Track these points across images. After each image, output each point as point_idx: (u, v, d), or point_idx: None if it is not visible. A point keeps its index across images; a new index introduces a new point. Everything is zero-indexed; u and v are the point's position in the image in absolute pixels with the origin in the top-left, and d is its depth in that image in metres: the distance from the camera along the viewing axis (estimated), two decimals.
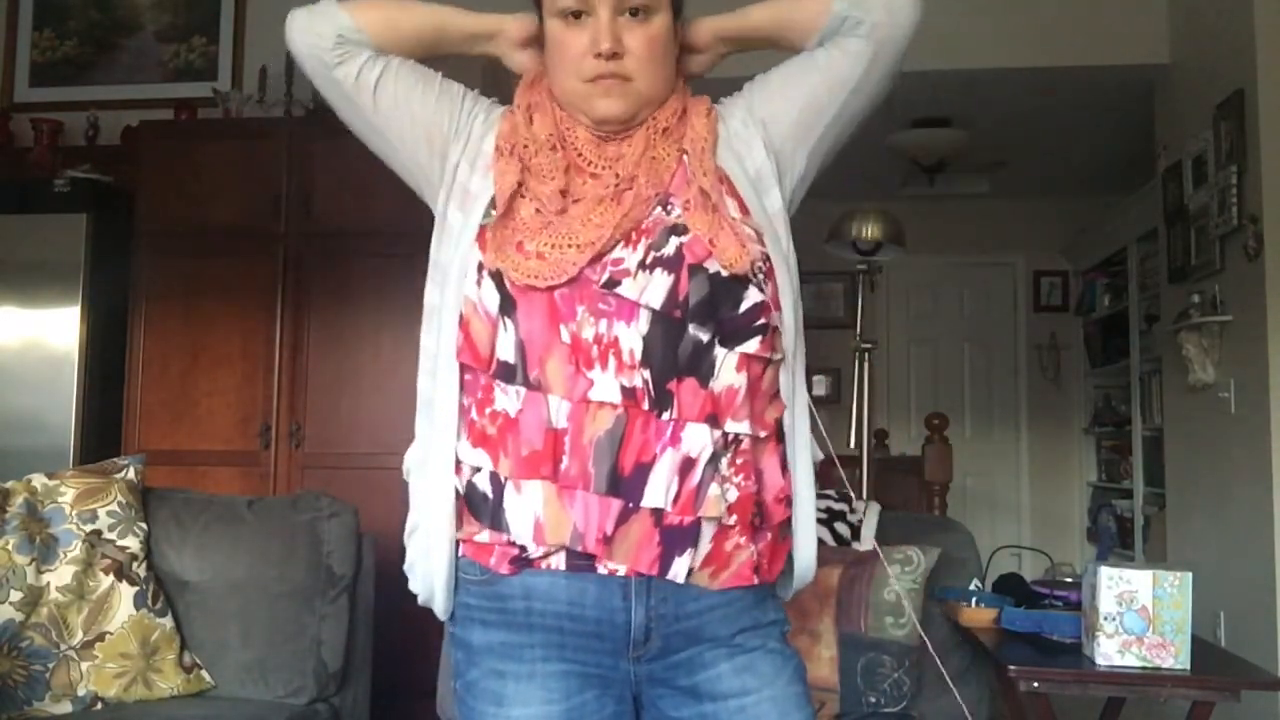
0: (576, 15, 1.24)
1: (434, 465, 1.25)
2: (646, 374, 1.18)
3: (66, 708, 2.22)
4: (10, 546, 2.26)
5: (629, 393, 1.17)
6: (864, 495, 3.91)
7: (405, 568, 1.29)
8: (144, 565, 2.37)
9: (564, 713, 1.20)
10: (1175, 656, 2.02)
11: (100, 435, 3.68)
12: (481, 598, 1.23)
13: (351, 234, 3.58)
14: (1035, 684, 2.04)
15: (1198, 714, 2.09)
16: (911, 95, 4.57)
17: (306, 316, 3.63)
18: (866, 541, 2.44)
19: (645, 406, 1.17)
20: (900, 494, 4.22)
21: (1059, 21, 4.06)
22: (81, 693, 2.23)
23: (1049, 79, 4.28)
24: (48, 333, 3.70)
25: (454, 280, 1.25)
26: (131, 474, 2.47)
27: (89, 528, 2.34)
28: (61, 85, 4.40)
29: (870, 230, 3.87)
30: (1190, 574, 2.04)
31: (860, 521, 2.50)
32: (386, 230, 3.41)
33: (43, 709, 2.20)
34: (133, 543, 2.37)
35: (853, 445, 4.13)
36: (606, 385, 1.17)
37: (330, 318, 3.57)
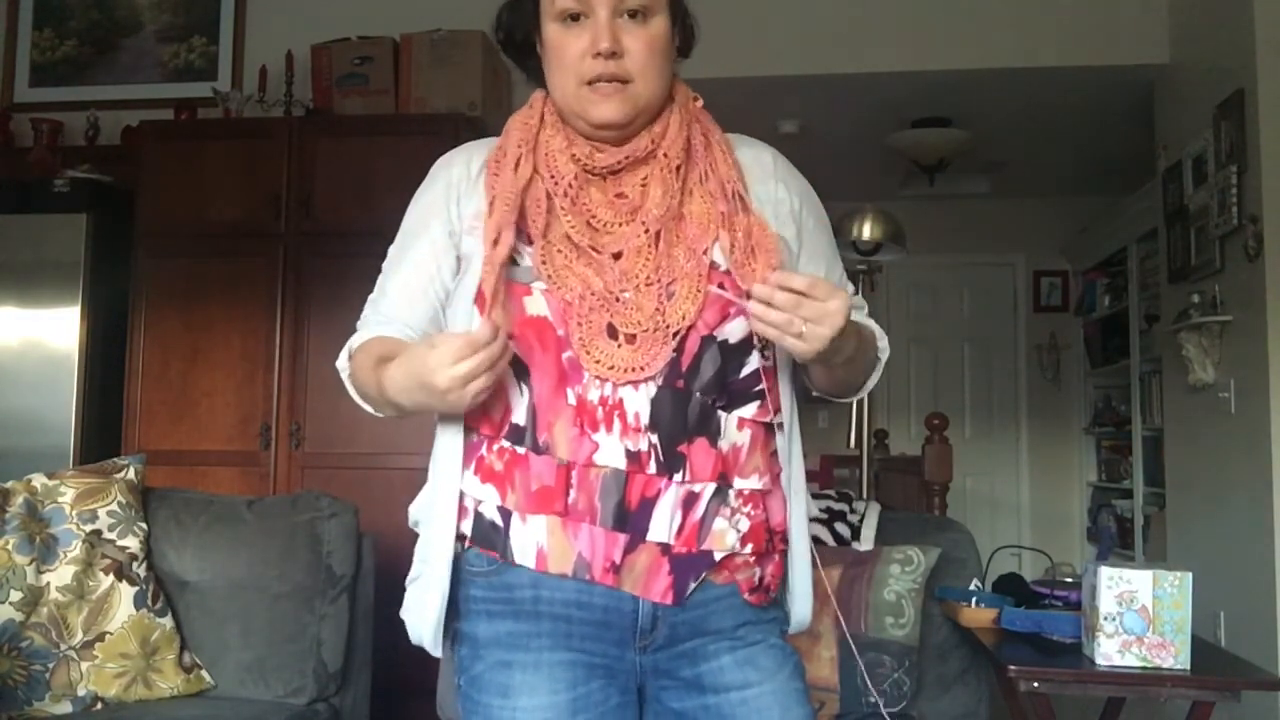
0: (575, 17, 1.23)
1: (440, 511, 1.26)
2: (654, 437, 1.18)
3: (66, 708, 2.22)
4: (10, 546, 2.26)
5: (633, 456, 1.18)
6: (864, 495, 3.92)
7: (402, 613, 1.29)
8: (144, 565, 2.37)
9: (570, 702, 1.21)
10: (1175, 656, 2.02)
11: (100, 435, 3.68)
12: (488, 589, 1.23)
13: (351, 234, 3.58)
14: (1035, 684, 2.04)
15: (1198, 714, 2.09)
16: (911, 95, 4.58)
17: (306, 316, 3.63)
18: (866, 541, 2.44)
19: (651, 470, 1.18)
20: (900, 494, 4.22)
21: (1059, 21, 4.07)
22: (81, 693, 2.23)
23: (1049, 79, 4.28)
24: (48, 333, 3.70)
25: None
26: (131, 474, 2.47)
27: (89, 528, 2.34)
28: (61, 85, 4.40)
29: (870, 230, 3.87)
30: (1190, 574, 2.03)
31: (860, 521, 2.50)
32: (386, 230, 3.37)
33: (43, 709, 2.20)
34: (133, 543, 2.37)
35: (853, 445, 4.14)
36: (611, 448, 1.18)
37: (330, 318, 3.57)
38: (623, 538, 1.18)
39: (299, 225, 3.67)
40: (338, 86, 3.86)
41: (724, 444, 1.21)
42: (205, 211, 3.72)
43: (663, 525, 1.18)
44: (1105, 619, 2.03)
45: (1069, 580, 2.49)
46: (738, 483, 1.22)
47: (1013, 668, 2.05)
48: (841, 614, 2.22)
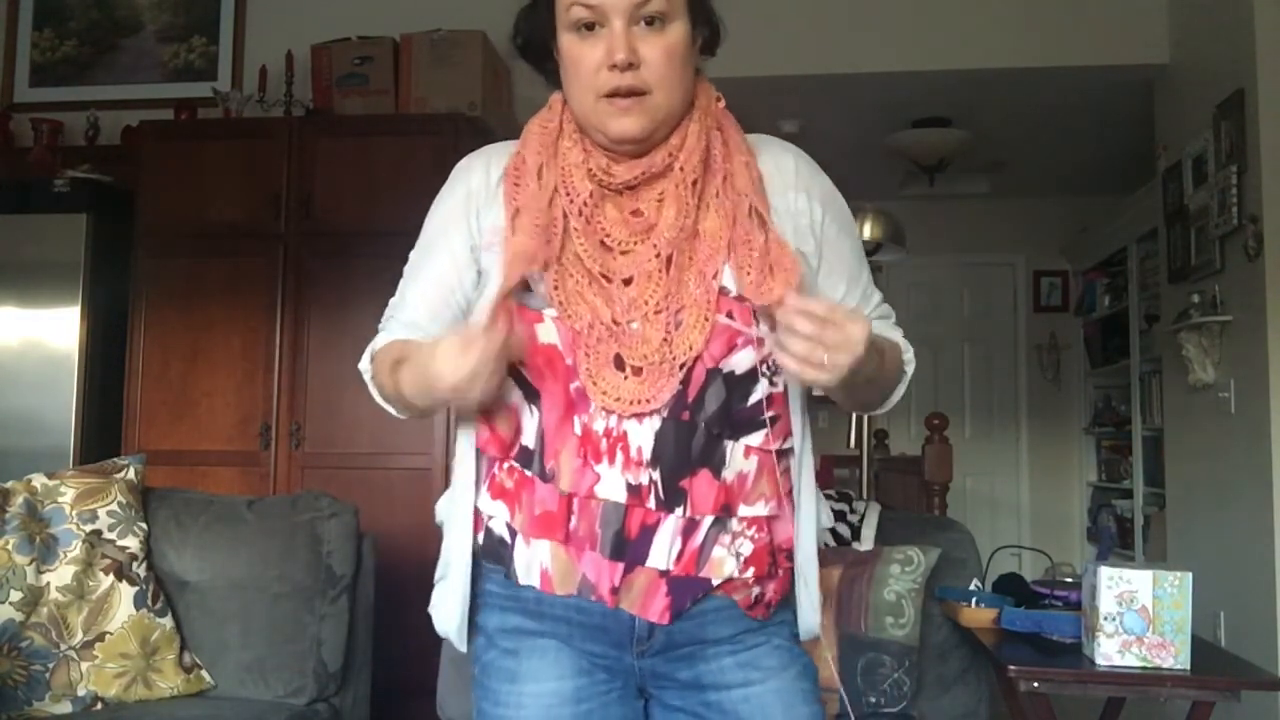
0: (590, 27, 1.19)
1: (458, 521, 1.29)
2: (655, 473, 1.18)
3: (66, 708, 2.22)
4: (10, 546, 2.26)
5: (634, 490, 1.18)
6: (864, 495, 3.92)
7: (430, 608, 1.32)
8: (144, 565, 2.37)
9: (575, 690, 1.23)
10: (1175, 656, 2.02)
11: (100, 435, 3.68)
12: (500, 585, 1.26)
13: (351, 234, 3.58)
14: (1035, 684, 2.04)
15: (1198, 714, 2.09)
16: (911, 95, 4.58)
17: (306, 316, 3.63)
18: (866, 541, 2.44)
19: (650, 505, 1.18)
20: (900, 494, 4.22)
21: (1059, 21, 4.06)
22: (81, 693, 2.23)
23: (1049, 79, 4.28)
24: (48, 333, 3.69)
25: None
26: (131, 474, 2.47)
27: (89, 528, 2.34)
28: (61, 85, 4.41)
29: (870, 230, 3.88)
30: (1190, 574, 2.03)
31: (860, 521, 2.50)
32: (386, 230, 3.39)
33: (43, 709, 2.20)
34: (133, 543, 2.37)
35: (853, 445, 4.15)
36: (612, 481, 1.18)
37: (330, 318, 3.57)
38: (621, 565, 1.19)
39: (299, 225, 3.67)
40: (338, 86, 3.86)
41: (728, 474, 1.20)
42: (205, 211, 3.71)
43: (661, 553, 1.19)
44: (1105, 619, 2.03)
45: (1069, 580, 2.49)
46: (743, 510, 1.21)
47: (1013, 668, 2.05)
48: (841, 614, 2.22)
